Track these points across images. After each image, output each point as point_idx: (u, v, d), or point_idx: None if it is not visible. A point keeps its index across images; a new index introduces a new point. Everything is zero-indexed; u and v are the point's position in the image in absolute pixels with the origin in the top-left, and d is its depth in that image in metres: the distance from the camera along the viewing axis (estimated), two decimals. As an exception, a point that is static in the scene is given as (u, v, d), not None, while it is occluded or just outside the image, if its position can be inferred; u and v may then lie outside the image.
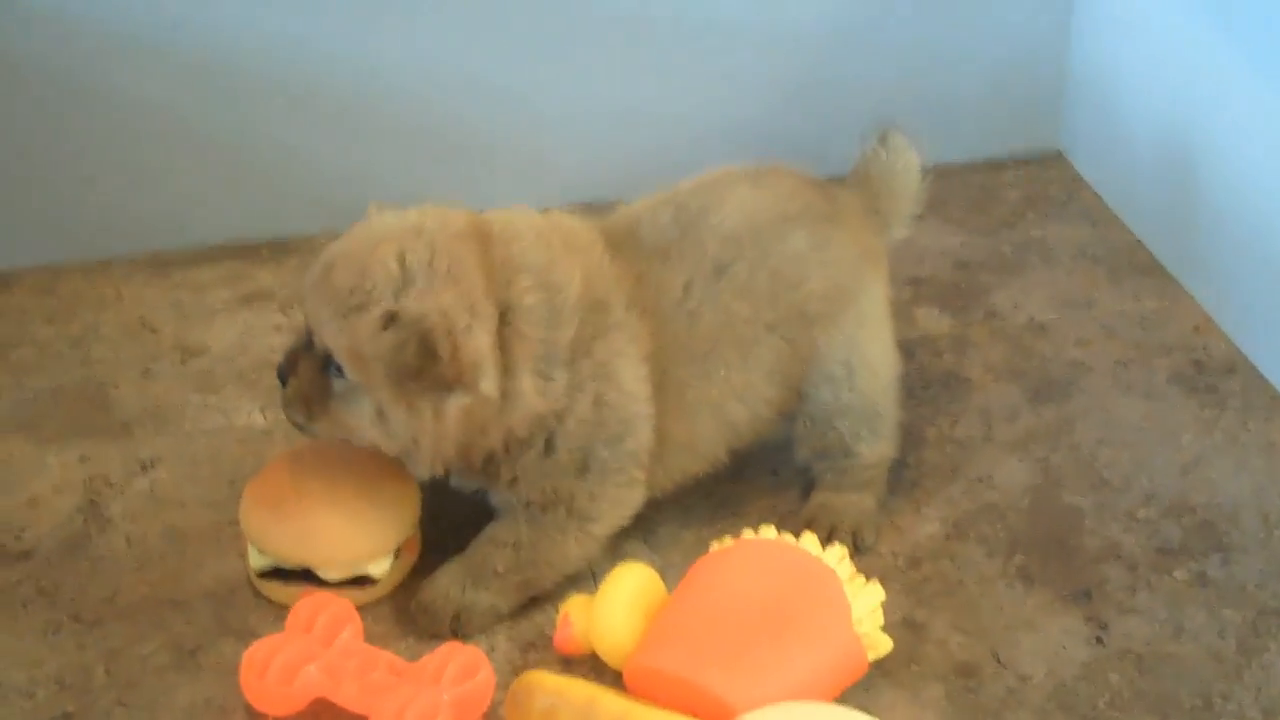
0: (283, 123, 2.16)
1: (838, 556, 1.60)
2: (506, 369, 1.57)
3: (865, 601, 1.57)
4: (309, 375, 1.60)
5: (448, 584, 1.65)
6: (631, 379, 1.64)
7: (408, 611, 1.67)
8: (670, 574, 1.67)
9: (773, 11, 2.25)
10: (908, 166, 1.85)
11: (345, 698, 1.54)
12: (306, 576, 1.68)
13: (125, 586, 1.72)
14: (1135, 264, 2.19)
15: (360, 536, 1.67)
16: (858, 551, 1.73)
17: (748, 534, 1.65)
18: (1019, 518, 1.80)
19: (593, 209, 1.85)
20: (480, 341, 1.55)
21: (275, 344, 2.03)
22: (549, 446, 1.62)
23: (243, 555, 1.74)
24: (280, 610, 1.67)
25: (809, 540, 1.62)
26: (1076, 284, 2.16)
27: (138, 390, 1.98)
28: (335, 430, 1.61)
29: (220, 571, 1.73)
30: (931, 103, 2.33)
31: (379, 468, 1.70)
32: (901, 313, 2.08)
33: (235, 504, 1.78)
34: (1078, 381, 1.99)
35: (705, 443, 1.72)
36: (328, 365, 1.58)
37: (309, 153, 2.18)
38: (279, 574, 1.69)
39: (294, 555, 1.67)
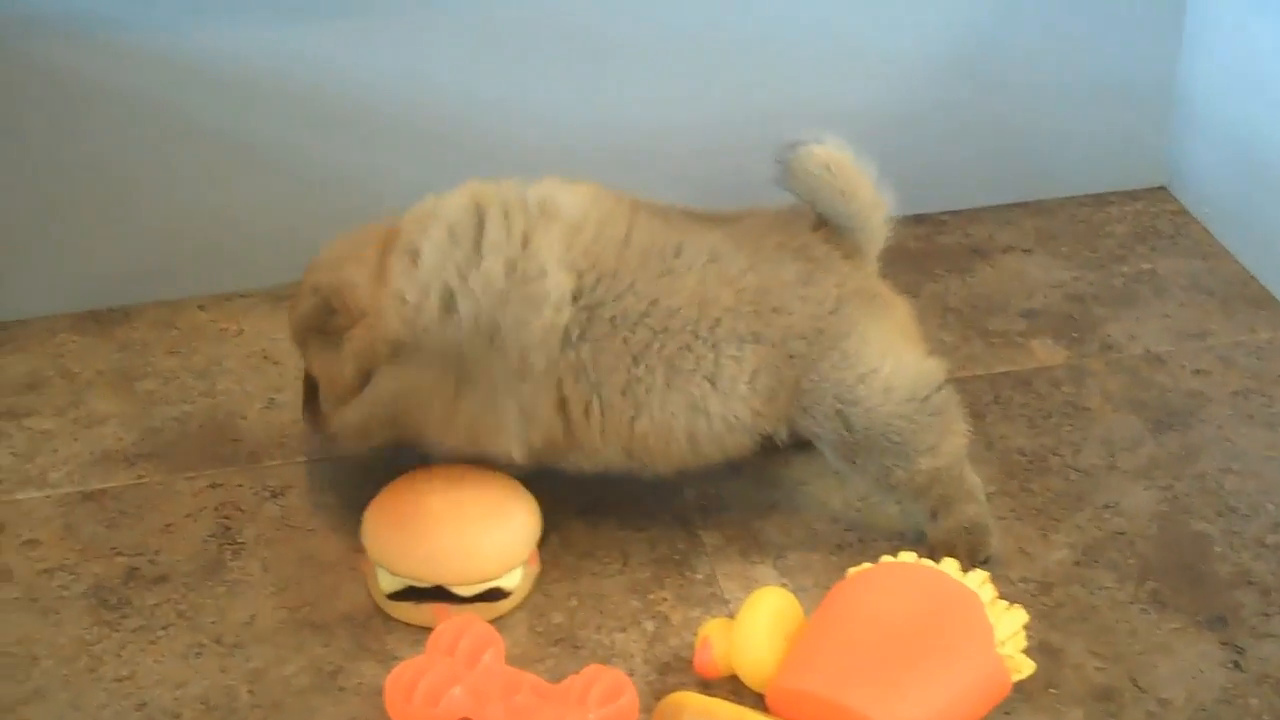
0: (405, 162, 2.18)
1: (979, 580, 1.61)
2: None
3: (1008, 624, 1.58)
4: (307, 395, 1.84)
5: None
6: (551, 263, 1.69)
7: (544, 632, 1.68)
8: (802, 597, 1.68)
9: (879, 43, 2.26)
10: (835, 178, 1.73)
11: None
12: (438, 595, 1.70)
13: (264, 610, 1.74)
14: (1248, 296, 2.20)
15: (492, 550, 1.70)
16: (978, 564, 1.72)
17: (887, 559, 1.65)
18: (1148, 544, 1.80)
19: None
20: (362, 287, 1.73)
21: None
22: (446, 306, 1.70)
23: (366, 580, 1.75)
24: (417, 633, 1.68)
25: (949, 564, 1.63)
26: (1190, 316, 2.16)
27: (263, 420, 2.00)
28: (330, 425, 1.79)
29: (355, 596, 1.75)
30: (1036, 137, 2.35)
31: (497, 482, 1.75)
32: (1016, 344, 2.10)
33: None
34: (1198, 411, 1.99)
35: (657, 408, 1.71)
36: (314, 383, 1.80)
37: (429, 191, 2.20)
38: (409, 595, 1.71)
39: (428, 574, 1.69)
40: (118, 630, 1.72)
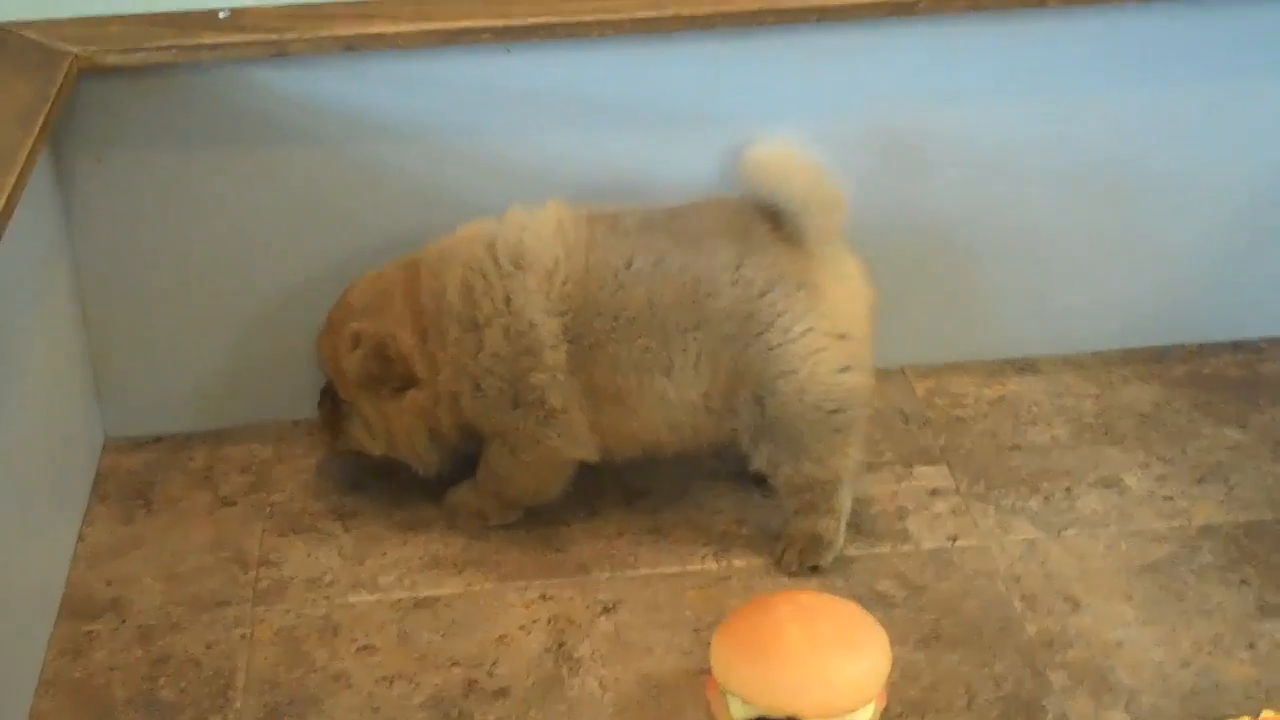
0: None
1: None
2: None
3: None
4: (329, 407, 2.00)
5: (461, 490, 2.00)
6: (537, 314, 1.85)
7: (899, 773, 1.65)
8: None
9: (1197, 171, 2.21)
10: (771, 178, 1.82)
11: None
12: (788, 728, 1.67)
13: (606, 731, 1.72)
14: None
15: (849, 682, 1.66)
16: (805, 571, 1.90)
17: (1267, 714, 1.59)
18: None
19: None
20: (408, 343, 1.91)
21: (720, 494, 2.03)
22: (477, 388, 1.89)
23: (710, 705, 1.72)
24: (767, 763, 1.65)
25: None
26: None
27: (588, 530, 1.99)
28: (349, 443, 2.00)
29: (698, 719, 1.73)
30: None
31: (850, 612, 1.71)
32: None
33: (701, 652, 1.77)
34: None
35: (640, 407, 1.87)
36: (337, 396, 1.97)
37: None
38: (759, 726, 1.68)
39: (786, 706, 1.65)
40: (463, 745, 1.71)
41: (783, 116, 2.06)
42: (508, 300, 1.87)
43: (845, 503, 1.92)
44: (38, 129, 1.74)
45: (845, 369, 1.84)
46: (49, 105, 1.79)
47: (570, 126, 2.06)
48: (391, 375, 1.92)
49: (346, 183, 2.08)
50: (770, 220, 1.84)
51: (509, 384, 1.88)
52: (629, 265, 1.86)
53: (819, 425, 1.85)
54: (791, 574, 1.91)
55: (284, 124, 2.03)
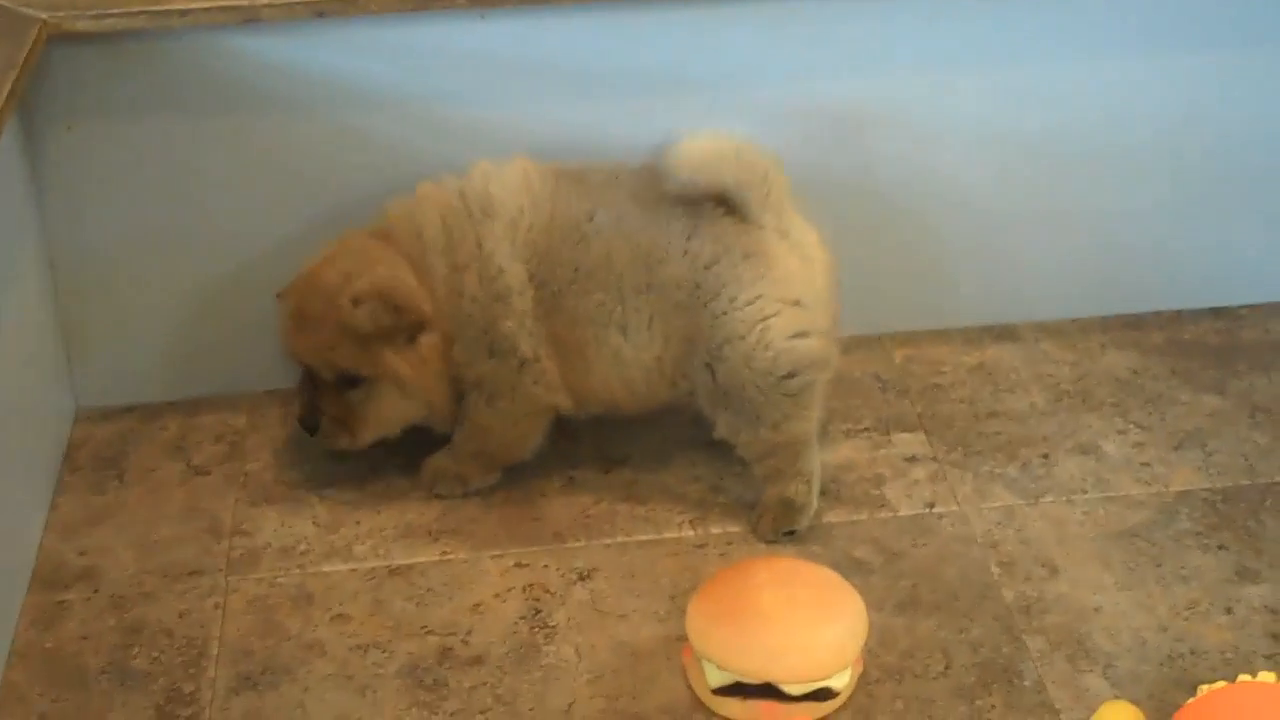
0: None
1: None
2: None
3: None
4: (331, 404, 1.92)
5: (439, 457, 1.99)
6: (505, 260, 1.87)
7: (875, 739, 1.65)
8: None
9: (1175, 135, 2.20)
10: (704, 177, 1.82)
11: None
12: (766, 692, 1.66)
13: (581, 698, 1.70)
14: None
15: (826, 648, 1.66)
16: (780, 538, 1.90)
17: (1245, 678, 1.59)
18: None
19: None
20: (410, 281, 1.88)
21: (698, 462, 2.02)
22: (461, 333, 1.89)
23: (687, 672, 1.72)
24: (742, 730, 1.64)
25: (1321, 686, 1.56)
26: None
27: (564, 498, 1.98)
28: (373, 430, 1.94)
29: (674, 687, 1.72)
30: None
31: (825, 581, 1.71)
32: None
33: (677, 619, 1.77)
34: None
35: (596, 363, 1.89)
36: (339, 387, 1.91)
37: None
38: (736, 690, 1.67)
39: (760, 671, 1.65)
40: (436, 713, 1.69)
41: (757, 84, 2.06)
42: (479, 244, 1.88)
43: (813, 466, 1.91)
44: (4, 96, 1.72)
45: (799, 334, 1.84)
46: (16, 72, 1.77)
47: (545, 93, 2.04)
48: (406, 319, 1.88)
49: (319, 150, 2.06)
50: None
51: (483, 331, 1.88)
52: (591, 218, 1.87)
53: (771, 391, 1.85)
54: (768, 541, 1.90)
55: (256, 91, 2.01)
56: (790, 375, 1.85)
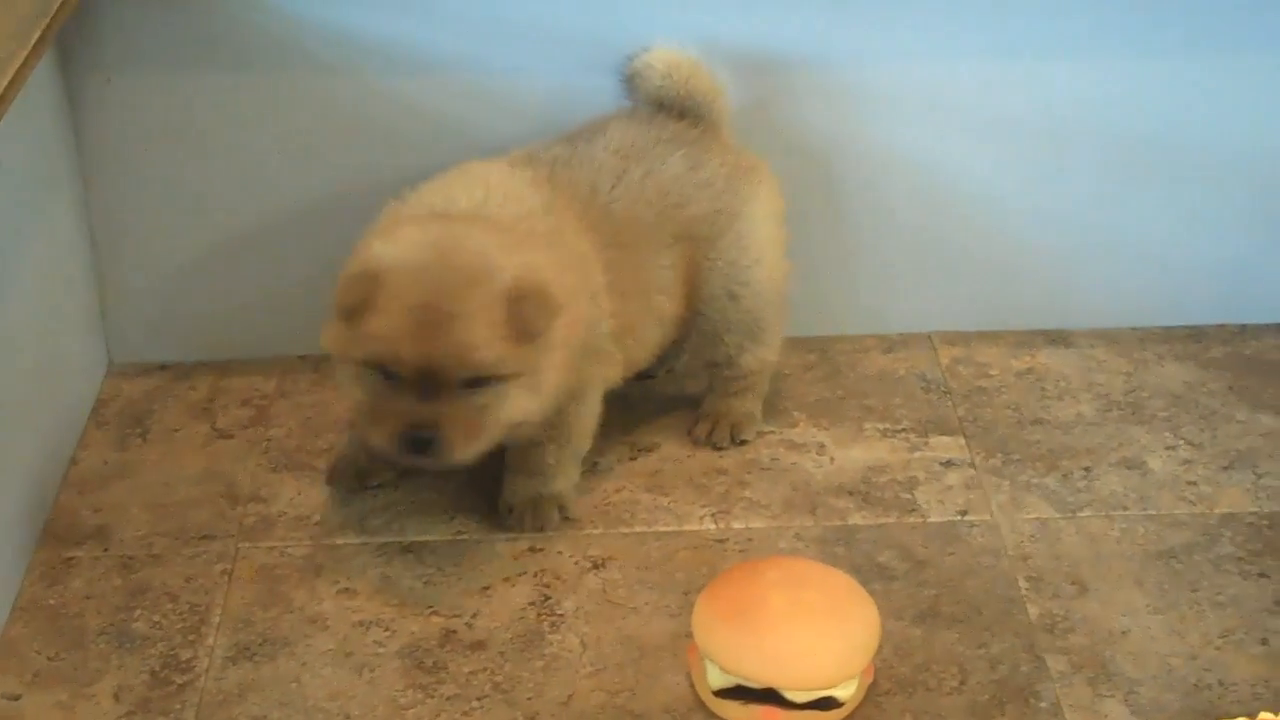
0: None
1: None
2: None
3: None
4: (455, 411, 1.65)
5: (519, 487, 1.85)
6: (584, 246, 1.79)
7: (878, 753, 1.59)
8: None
9: (1246, 144, 2.11)
10: (674, 82, 1.87)
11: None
12: (768, 698, 1.61)
13: (581, 691, 1.66)
14: None
15: (833, 657, 1.60)
16: (734, 445, 1.96)
17: (1265, 717, 1.52)
18: None
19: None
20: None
21: (726, 455, 1.98)
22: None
23: (690, 671, 1.67)
24: (741, 734, 1.59)
25: (1340, 731, 1.49)
26: None
27: (586, 483, 1.93)
28: (495, 437, 1.69)
29: (677, 686, 1.67)
30: None
31: (838, 586, 1.65)
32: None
33: (688, 615, 1.72)
34: None
35: (648, 330, 1.86)
36: (464, 391, 1.64)
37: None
38: (738, 694, 1.62)
39: (764, 676, 1.59)
40: (432, 696, 1.66)
41: (818, 66, 2.00)
42: (547, 208, 1.80)
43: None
44: (33, 42, 1.70)
45: (785, 252, 1.93)
46: (48, 20, 1.75)
47: (585, 64, 1.99)
48: (554, 309, 1.68)
49: (364, 113, 2.03)
50: (686, 120, 1.89)
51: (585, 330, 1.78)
52: (612, 186, 1.84)
53: (780, 308, 1.94)
54: (720, 449, 1.96)
55: (298, 48, 1.98)
56: (783, 290, 1.94)
